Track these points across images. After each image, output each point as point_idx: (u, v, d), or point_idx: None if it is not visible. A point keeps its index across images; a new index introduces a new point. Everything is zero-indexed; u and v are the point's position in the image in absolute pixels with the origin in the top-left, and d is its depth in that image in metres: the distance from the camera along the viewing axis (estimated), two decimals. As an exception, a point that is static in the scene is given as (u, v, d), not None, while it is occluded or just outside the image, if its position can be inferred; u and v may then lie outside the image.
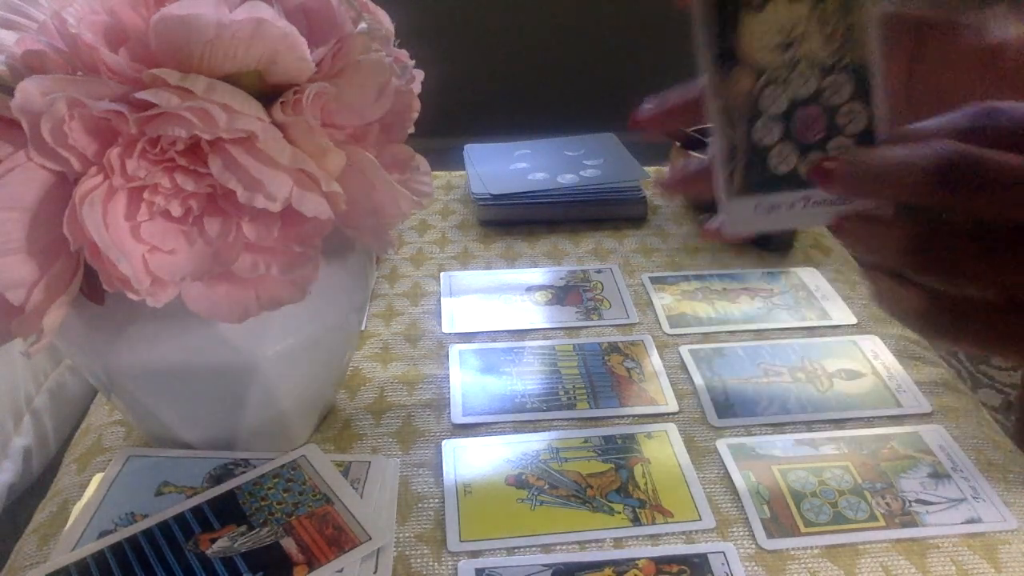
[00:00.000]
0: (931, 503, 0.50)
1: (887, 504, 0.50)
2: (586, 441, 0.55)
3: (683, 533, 0.48)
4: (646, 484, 0.51)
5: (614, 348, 0.65)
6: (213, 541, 0.45)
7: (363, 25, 0.41)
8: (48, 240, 0.38)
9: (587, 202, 0.85)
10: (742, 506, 0.50)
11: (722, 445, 0.54)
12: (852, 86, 0.37)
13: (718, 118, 0.38)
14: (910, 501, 0.50)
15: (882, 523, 0.49)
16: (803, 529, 0.48)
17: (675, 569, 0.46)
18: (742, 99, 0.37)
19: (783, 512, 0.49)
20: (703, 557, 0.46)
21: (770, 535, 0.48)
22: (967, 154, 0.30)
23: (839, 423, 0.57)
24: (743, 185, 0.38)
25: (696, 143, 0.85)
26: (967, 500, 0.50)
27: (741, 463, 0.53)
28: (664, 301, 0.71)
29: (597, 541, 0.48)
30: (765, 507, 0.50)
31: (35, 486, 0.96)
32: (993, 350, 0.32)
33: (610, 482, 0.52)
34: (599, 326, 0.68)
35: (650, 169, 0.92)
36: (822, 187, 0.36)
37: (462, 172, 0.95)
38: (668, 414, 0.58)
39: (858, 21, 0.37)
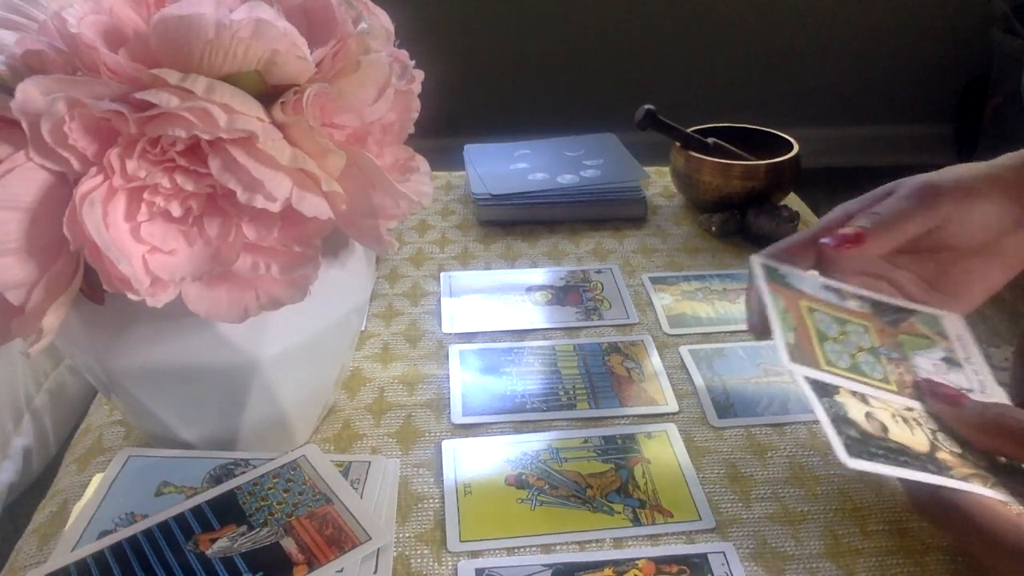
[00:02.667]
0: (937, 380, 0.49)
1: (900, 374, 0.49)
2: (586, 441, 0.55)
3: (683, 533, 0.48)
4: (646, 484, 0.51)
5: (614, 348, 0.65)
6: (213, 541, 0.45)
7: (363, 25, 0.41)
8: (48, 240, 0.38)
9: (587, 202, 0.85)
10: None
11: (756, 265, 0.52)
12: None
13: (976, 486, 0.42)
14: (920, 370, 0.49)
15: (894, 388, 0.47)
16: (823, 365, 0.46)
17: (675, 569, 0.46)
18: (962, 464, 0.43)
19: (806, 343, 0.48)
20: (703, 557, 0.46)
21: (793, 359, 0.46)
22: None
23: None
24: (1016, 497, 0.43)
25: (695, 143, 0.85)
26: (975, 392, 0.49)
27: (772, 285, 0.51)
28: (664, 301, 0.71)
29: (597, 541, 0.48)
30: (791, 334, 0.48)
31: (35, 486, 0.96)
32: None
33: (610, 482, 0.52)
34: (599, 326, 0.68)
35: (650, 169, 0.92)
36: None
37: (462, 172, 0.95)
38: (668, 414, 0.58)
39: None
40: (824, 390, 0.46)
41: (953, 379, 0.50)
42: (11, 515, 0.90)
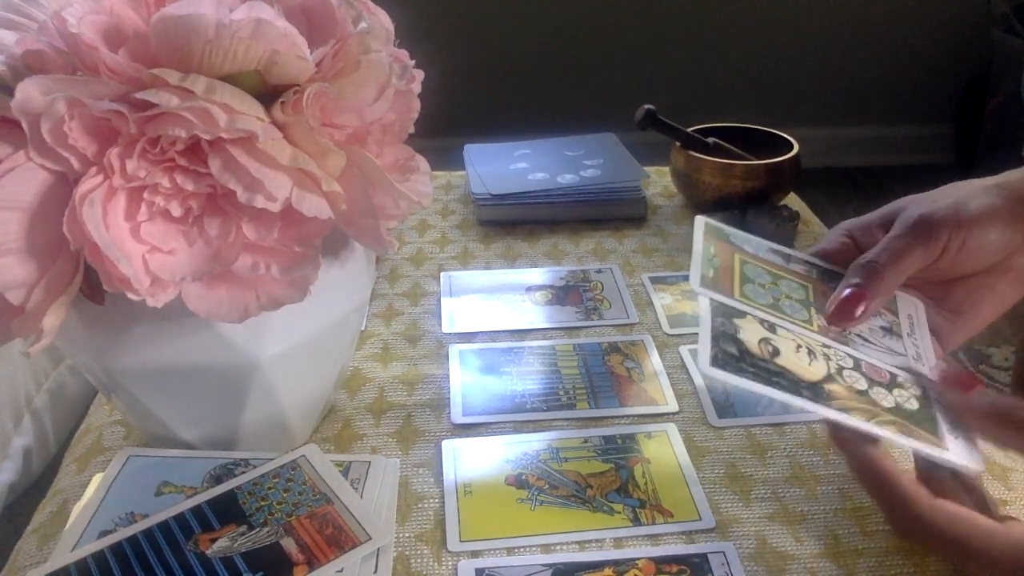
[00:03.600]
0: (871, 342, 0.49)
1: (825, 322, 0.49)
2: (586, 441, 0.55)
3: (683, 533, 0.48)
4: (646, 484, 0.51)
5: (614, 348, 0.65)
6: (213, 541, 0.45)
7: (363, 25, 0.41)
8: (48, 240, 0.38)
9: (587, 202, 0.85)
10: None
11: (700, 221, 0.53)
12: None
13: (870, 427, 0.43)
14: (852, 331, 0.49)
15: (815, 328, 0.47)
16: (736, 295, 0.47)
17: (675, 569, 0.46)
18: (853, 400, 0.44)
19: (725, 279, 0.48)
20: (703, 557, 0.46)
21: (703, 284, 0.47)
22: None
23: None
24: (934, 438, 0.44)
25: (695, 143, 0.85)
26: (907, 359, 0.49)
27: (709, 238, 0.51)
28: (664, 301, 0.71)
29: (597, 541, 0.48)
30: (711, 270, 0.49)
31: (35, 486, 0.96)
32: None
33: (610, 482, 0.52)
34: (599, 326, 0.68)
35: (650, 169, 0.92)
36: None
37: (462, 172, 0.95)
38: (668, 414, 0.58)
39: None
40: (724, 312, 0.46)
41: (888, 343, 0.49)
42: (11, 515, 0.90)
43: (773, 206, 0.82)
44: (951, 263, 0.50)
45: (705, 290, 0.47)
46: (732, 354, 0.43)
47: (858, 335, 0.49)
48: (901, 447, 0.45)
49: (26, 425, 0.97)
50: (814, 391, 0.43)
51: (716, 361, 0.42)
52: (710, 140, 0.86)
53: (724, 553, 0.47)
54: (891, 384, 0.46)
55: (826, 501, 0.51)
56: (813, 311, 0.49)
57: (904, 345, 0.50)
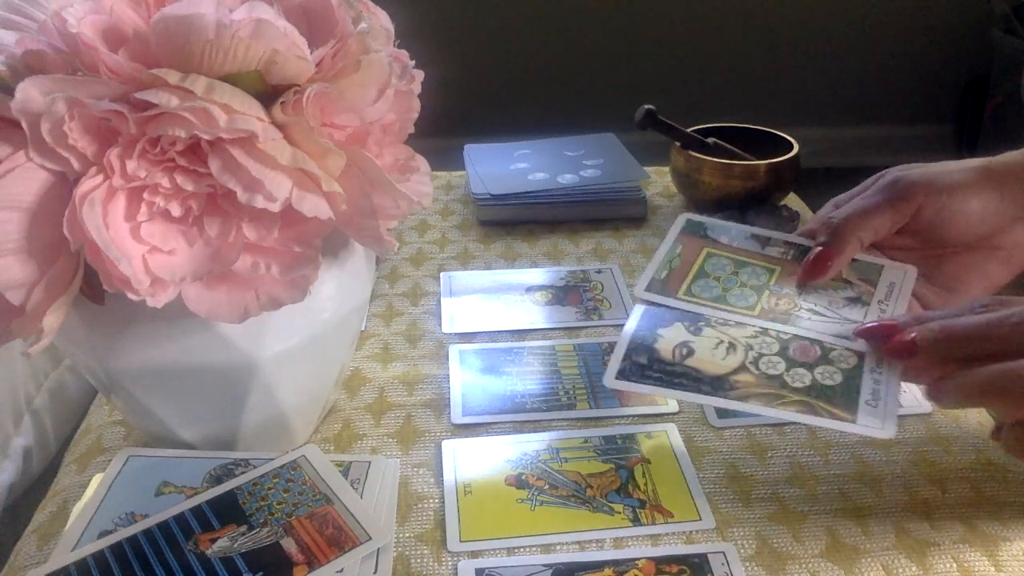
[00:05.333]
0: (824, 315, 0.50)
1: (775, 303, 0.50)
2: (586, 441, 0.55)
3: (683, 533, 0.48)
4: (646, 484, 0.51)
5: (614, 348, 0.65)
6: (213, 541, 0.45)
7: (363, 25, 0.41)
8: (48, 240, 0.38)
9: (587, 202, 0.85)
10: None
11: (681, 218, 0.57)
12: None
13: (773, 410, 0.46)
14: (801, 307, 0.50)
15: (756, 313, 0.50)
16: (680, 294, 0.52)
17: (675, 569, 0.46)
18: (761, 386, 0.47)
19: (676, 279, 0.53)
20: (703, 557, 0.46)
21: (647, 288, 0.53)
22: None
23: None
24: (846, 411, 0.46)
25: (695, 143, 0.85)
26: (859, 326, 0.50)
27: (683, 235, 0.56)
28: (664, 301, 0.71)
29: (597, 541, 0.48)
30: (665, 272, 0.54)
31: (35, 486, 0.96)
32: None
33: (610, 482, 0.52)
34: (599, 326, 0.68)
35: (650, 169, 0.92)
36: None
37: (462, 172, 0.95)
38: (668, 414, 0.58)
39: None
40: (651, 322, 0.51)
41: (846, 313, 0.51)
42: (11, 515, 0.90)
43: (773, 206, 0.82)
44: (930, 227, 0.52)
45: (648, 294, 0.53)
46: (640, 364, 0.48)
47: (811, 308, 0.51)
48: (807, 425, 0.48)
49: (26, 425, 0.97)
50: (716, 385, 0.47)
51: (621, 374, 0.48)
52: (710, 140, 0.86)
53: (724, 553, 0.47)
54: (818, 362, 0.48)
55: (826, 501, 0.51)
56: (766, 295, 0.52)
57: (866, 312, 0.51)
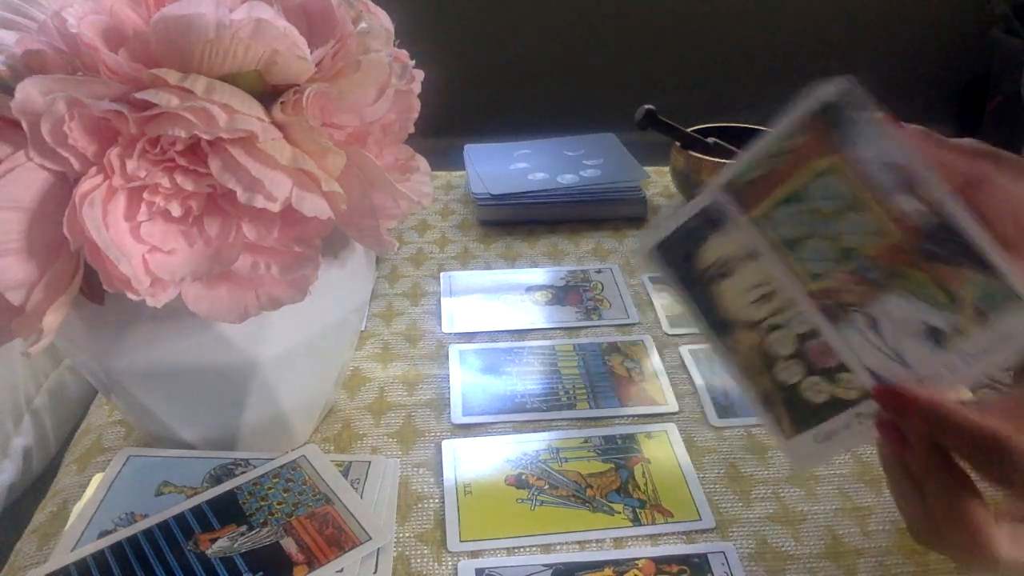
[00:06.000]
0: (877, 340, 0.37)
1: (847, 282, 0.37)
2: (586, 441, 0.55)
3: (683, 533, 0.48)
4: (646, 484, 0.51)
5: (614, 348, 0.65)
6: (213, 541, 0.45)
7: (363, 25, 0.41)
8: (48, 240, 0.38)
9: (587, 202, 0.85)
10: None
11: (828, 91, 0.40)
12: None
13: (740, 377, 0.40)
14: (866, 311, 0.37)
15: (813, 288, 0.38)
16: (757, 212, 0.38)
17: (675, 569, 0.46)
18: (755, 352, 0.39)
19: (767, 185, 0.38)
20: (703, 557, 0.46)
21: (727, 189, 0.40)
22: None
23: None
24: (793, 425, 0.39)
25: (695, 143, 0.85)
26: (901, 368, 0.37)
27: (816, 123, 0.38)
28: (664, 301, 0.71)
29: (597, 541, 0.48)
30: (760, 168, 0.38)
31: (35, 486, 0.96)
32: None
33: (610, 482, 0.52)
34: (599, 326, 0.68)
35: (650, 169, 0.92)
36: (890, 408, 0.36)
37: (462, 172, 0.95)
38: (668, 414, 0.58)
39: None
40: (708, 218, 0.41)
41: (910, 347, 0.36)
42: (11, 515, 0.90)
43: (773, 206, 0.82)
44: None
45: (721, 194, 0.40)
46: (678, 253, 0.41)
47: (874, 317, 0.37)
48: (744, 396, 0.41)
49: (26, 425, 0.97)
50: (720, 325, 0.40)
51: (660, 246, 0.42)
52: (710, 140, 0.86)
53: (724, 553, 0.47)
54: (821, 373, 0.38)
55: (826, 501, 0.51)
56: (848, 271, 0.37)
57: (947, 363, 0.36)
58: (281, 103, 0.39)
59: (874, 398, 0.37)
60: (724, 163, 0.82)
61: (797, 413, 0.39)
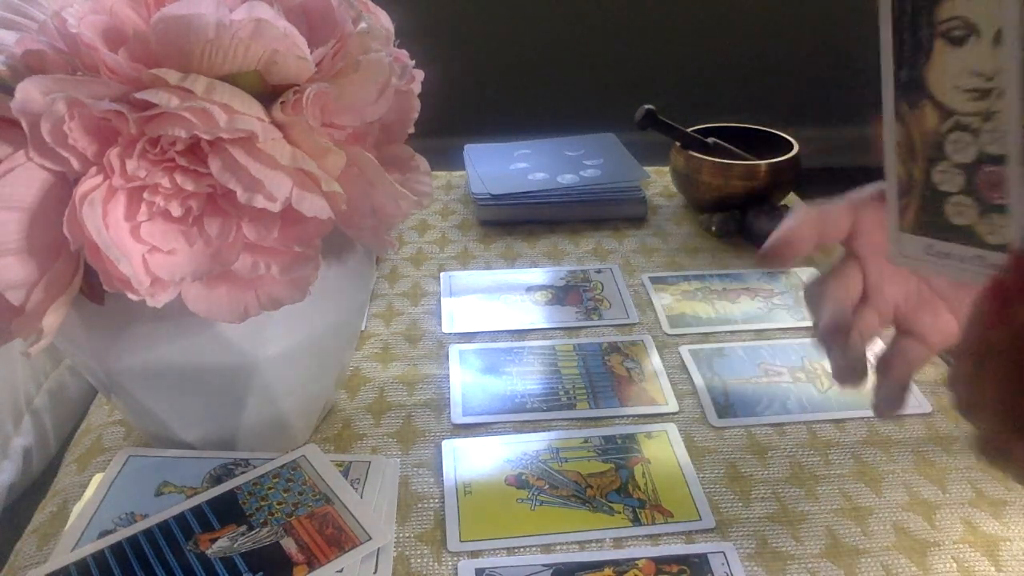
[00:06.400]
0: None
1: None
2: (586, 441, 0.55)
3: (683, 533, 0.48)
4: (646, 484, 0.51)
5: (614, 348, 0.65)
6: (213, 541, 0.45)
7: (363, 25, 0.41)
8: (48, 240, 0.38)
9: (587, 202, 0.85)
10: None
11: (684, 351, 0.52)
12: None
13: (897, 149, 0.35)
14: None
15: None
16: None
17: (675, 569, 0.46)
18: (927, 137, 0.34)
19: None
20: (703, 557, 0.46)
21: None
22: None
23: (839, 423, 0.57)
24: (916, 224, 0.35)
25: (695, 143, 0.85)
26: None
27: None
28: (664, 301, 0.71)
29: (597, 541, 0.48)
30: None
31: (35, 486, 0.96)
32: None
33: (610, 482, 0.52)
34: (599, 326, 0.68)
35: (650, 169, 0.92)
36: None
37: (462, 172, 0.95)
38: (668, 414, 0.58)
39: None
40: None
41: None
42: (11, 515, 0.90)
43: (773, 206, 0.82)
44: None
45: None
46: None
47: None
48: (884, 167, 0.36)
49: (26, 425, 0.97)
50: (910, 85, 0.33)
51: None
52: (710, 140, 0.86)
53: (724, 553, 0.47)
54: (979, 199, 0.33)
55: (826, 501, 0.51)
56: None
57: None
58: (281, 103, 0.39)
59: (1011, 263, 0.29)
60: (724, 163, 0.82)
61: (928, 217, 0.35)
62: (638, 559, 0.46)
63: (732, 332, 0.67)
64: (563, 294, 0.73)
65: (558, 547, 0.47)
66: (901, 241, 0.36)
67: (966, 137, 0.32)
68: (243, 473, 0.49)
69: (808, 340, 0.66)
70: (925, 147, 0.34)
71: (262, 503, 0.47)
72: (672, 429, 0.56)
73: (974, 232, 0.33)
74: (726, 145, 0.86)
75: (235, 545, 0.44)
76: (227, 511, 0.47)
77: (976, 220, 0.33)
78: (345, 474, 0.50)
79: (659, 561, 0.46)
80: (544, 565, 0.46)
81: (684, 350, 0.65)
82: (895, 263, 0.36)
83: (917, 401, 0.59)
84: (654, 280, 0.75)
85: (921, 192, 0.35)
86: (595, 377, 0.62)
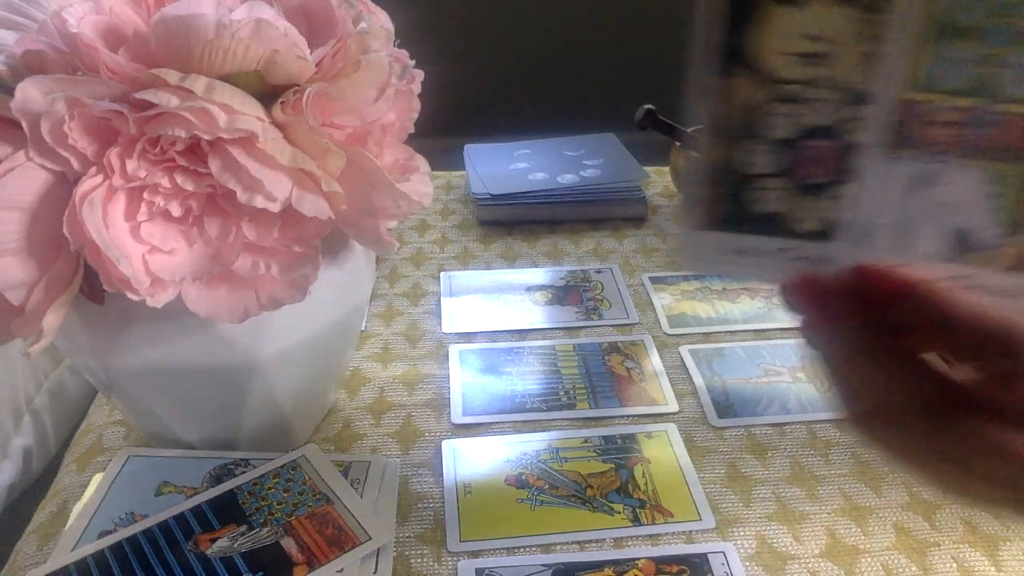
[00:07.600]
0: None
1: None
2: (586, 441, 0.55)
3: (683, 533, 0.48)
4: (646, 484, 0.51)
5: (614, 348, 0.65)
6: (213, 541, 0.45)
7: (363, 25, 0.41)
8: (48, 240, 0.38)
9: (587, 202, 0.85)
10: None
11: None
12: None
13: (704, 131, 0.31)
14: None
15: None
16: (910, 89, 0.27)
17: (675, 569, 0.46)
18: (738, 111, 0.30)
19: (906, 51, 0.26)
20: (703, 557, 0.46)
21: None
22: None
23: (839, 423, 0.57)
24: (711, 218, 0.31)
25: (695, 143, 0.85)
26: None
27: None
28: (664, 301, 0.71)
29: (597, 541, 0.48)
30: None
31: (35, 486, 0.96)
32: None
33: (610, 482, 0.52)
34: (599, 326, 0.68)
35: (650, 169, 0.92)
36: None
37: (462, 172, 0.95)
38: (668, 414, 0.58)
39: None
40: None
41: (928, 244, 0.30)
42: (11, 515, 0.90)
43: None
44: None
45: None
46: None
47: (928, 182, 0.30)
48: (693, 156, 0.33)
49: (26, 425, 0.97)
50: (729, 53, 0.30)
51: None
52: (710, 140, 0.86)
53: (724, 553, 0.47)
54: (796, 180, 0.30)
55: (826, 501, 0.51)
56: (963, 102, 0.28)
57: (931, 255, 0.30)
58: (281, 103, 0.39)
59: (858, 270, 0.28)
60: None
61: (727, 208, 0.31)
62: (638, 559, 0.46)
63: (732, 332, 0.67)
64: (563, 294, 0.73)
65: (558, 547, 0.47)
66: (695, 241, 0.32)
67: (787, 108, 0.29)
68: (243, 473, 0.49)
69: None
70: (735, 125, 0.30)
71: (262, 503, 0.47)
72: (672, 429, 0.56)
73: (781, 220, 0.30)
74: (726, 145, 0.86)
75: (235, 545, 0.44)
76: (227, 511, 0.47)
77: (786, 205, 0.30)
78: (345, 474, 0.50)
79: (659, 561, 0.46)
80: (544, 565, 0.46)
81: (684, 350, 0.65)
82: (684, 267, 0.34)
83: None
84: (654, 280, 0.75)
85: (720, 178, 0.31)
86: (595, 377, 0.62)
